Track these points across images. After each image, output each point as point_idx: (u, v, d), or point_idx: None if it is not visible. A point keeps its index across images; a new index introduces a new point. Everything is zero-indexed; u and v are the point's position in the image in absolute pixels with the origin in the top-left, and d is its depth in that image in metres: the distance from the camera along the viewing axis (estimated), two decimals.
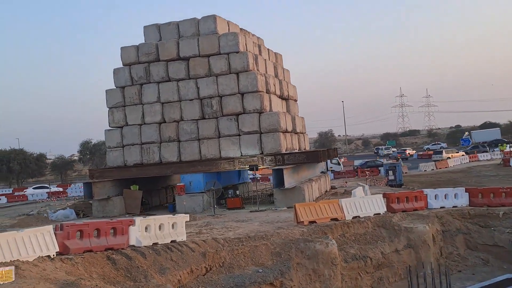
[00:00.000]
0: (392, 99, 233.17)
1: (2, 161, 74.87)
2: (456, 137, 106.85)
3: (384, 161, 53.39)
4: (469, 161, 58.01)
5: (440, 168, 52.29)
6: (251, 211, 24.06)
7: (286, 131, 27.09)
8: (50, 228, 12.15)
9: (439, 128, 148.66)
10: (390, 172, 38.08)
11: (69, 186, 58.07)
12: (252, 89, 25.83)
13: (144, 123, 27.50)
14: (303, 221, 18.11)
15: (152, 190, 30.57)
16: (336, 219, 18.62)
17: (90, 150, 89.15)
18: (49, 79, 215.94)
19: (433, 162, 54.95)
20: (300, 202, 24.02)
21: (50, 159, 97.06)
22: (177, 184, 26.39)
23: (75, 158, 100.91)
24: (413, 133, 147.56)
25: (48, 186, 54.10)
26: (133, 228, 13.84)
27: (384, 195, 20.68)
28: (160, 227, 14.60)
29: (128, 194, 27.93)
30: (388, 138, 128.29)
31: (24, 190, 57.54)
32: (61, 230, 12.43)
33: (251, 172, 34.28)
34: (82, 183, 31.15)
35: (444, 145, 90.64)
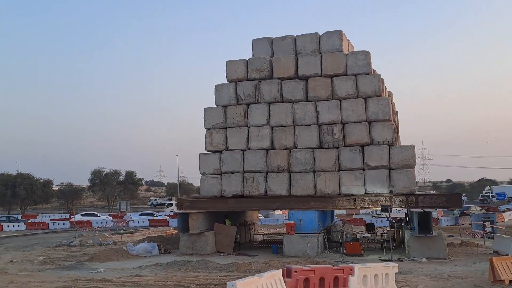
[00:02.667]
0: None
1: (7, 185, 72.36)
2: (456, 191, 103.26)
3: (475, 210, 49.66)
4: None
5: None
6: (381, 259, 20.80)
7: None
8: (279, 274, 9.14)
9: (430, 181, 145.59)
10: (488, 223, 34.58)
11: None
12: (383, 117, 23.16)
13: (249, 149, 24.81)
14: (503, 280, 14.94)
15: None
16: None
17: (101, 180, 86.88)
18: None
19: None
20: (440, 253, 21.01)
21: (57, 186, 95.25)
22: (286, 222, 23.28)
23: (84, 187, 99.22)
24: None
25: (97, 214, 51.51)
26: (352, 279, 10.85)
27: None
28: (375, 279, 11.51)
29: (220, 229, 24.92)
30: None
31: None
32: (288, 277, 9.50)
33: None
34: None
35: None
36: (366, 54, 23.85)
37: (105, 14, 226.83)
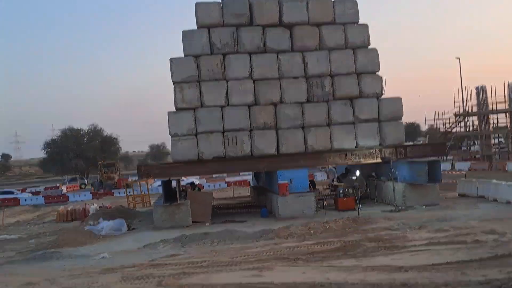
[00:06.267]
0: None
1: None
2: None
3: None
4: None
5: None
6: (388, 211, 20.87)
7: None
8: None
9: None
10: None
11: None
12: (372, 69, 23.13)
13: (229, 105, 22.18)
14: None
15: None
16: None
17: None
18: None
19: None
20: (434, 200, 21.94)
21: None
22: (279, 183, 21.55)
23: None
24: None
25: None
26: None
27: None
28: None
29: (194, 197, 22.36)
30: None
31: None
32: None
33: None
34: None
35: None
36: (354, 2, 23.22)
37: None
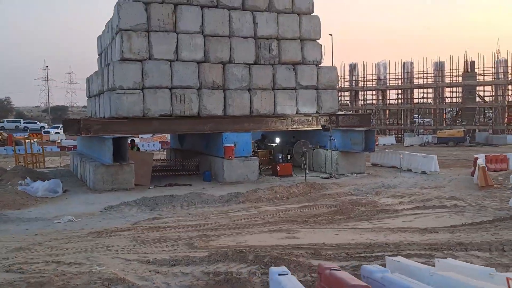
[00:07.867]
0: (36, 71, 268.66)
1: None
2: None
3: None
4: None
5: None
6: (324, 178, 22.30)
7: None
8: None
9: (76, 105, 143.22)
10: None
11: None
12: (314, 36, 24.02)
13: (178, 60, 21.13)
14: (492, 184, 18.91)
15: None
16: None
17: None
18: None
19: None
20: (361, 168, 23.96)
21: None
22: (226, 145, 21.33)
23: None
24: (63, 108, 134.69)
25: None
26: None
27: None
28: None
29: (136, 158, 21.04)
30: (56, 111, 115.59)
31: None
32: None
33: None
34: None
35: None
36: None
37: None
